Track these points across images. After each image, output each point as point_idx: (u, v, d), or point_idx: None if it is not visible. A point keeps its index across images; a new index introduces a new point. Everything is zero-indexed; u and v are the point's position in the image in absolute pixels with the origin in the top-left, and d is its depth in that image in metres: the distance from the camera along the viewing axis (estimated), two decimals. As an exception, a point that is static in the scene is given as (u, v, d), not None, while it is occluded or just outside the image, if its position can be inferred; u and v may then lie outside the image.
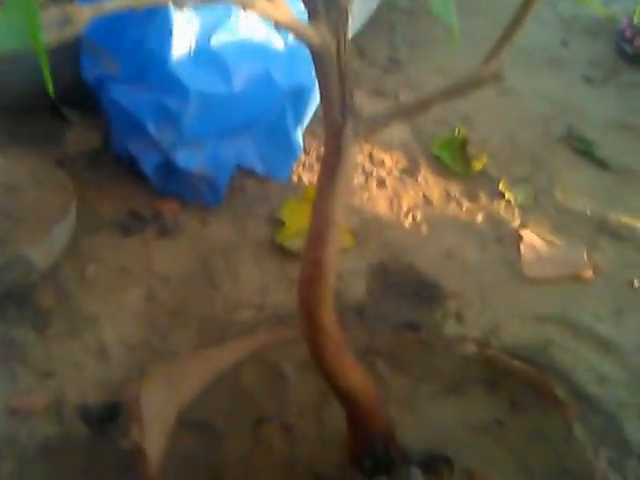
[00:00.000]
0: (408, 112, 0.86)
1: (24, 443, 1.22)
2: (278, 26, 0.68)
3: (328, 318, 0.90)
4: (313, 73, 1.63)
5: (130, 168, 1.72)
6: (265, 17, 0.65)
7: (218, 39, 1.56)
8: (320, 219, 0.85)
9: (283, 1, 0.68)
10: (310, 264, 0.88)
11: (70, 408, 1.27)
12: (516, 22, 0.80)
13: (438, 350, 1.28)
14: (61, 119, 1.82)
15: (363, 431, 1.02)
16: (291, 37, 1.65)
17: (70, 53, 1.64)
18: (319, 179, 0.86)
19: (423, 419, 1.13)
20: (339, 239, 0.88)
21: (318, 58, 0.77)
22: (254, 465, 1.07)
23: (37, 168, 1.55)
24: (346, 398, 0.98)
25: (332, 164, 0.83)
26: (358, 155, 1.89)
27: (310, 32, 0.73)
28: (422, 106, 0.84)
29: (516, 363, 1.25)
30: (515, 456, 1.10)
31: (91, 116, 1.80)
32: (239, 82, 1.58)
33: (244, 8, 0.62)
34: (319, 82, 0.80)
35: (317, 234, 0.86)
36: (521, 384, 1.21)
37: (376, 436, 1.01)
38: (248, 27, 1.59)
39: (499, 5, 2.50)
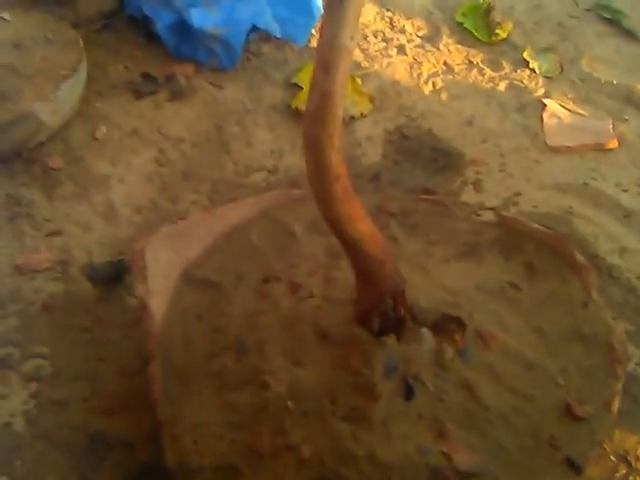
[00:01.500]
0: None
1: (29, 300, 1.23)
2: None
3: (335, 156, 0.85)
4: None
5: (144, 30, 1.67)
6: None
7: None
8: (328, 47, 0.80)
9: None
10: (317, 96, 0.82)
11: (76, 266, 1.27)
12: None
13: (454, 213, 1.24)
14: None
15: (372, 286, 0.98)
16: None
17: None
18: (325, 5, 0.81)
19: (435, 281, 1.10)
20: (349, 69, 0.83)
21: None
22: (259, 322, 1.06)
23: (47, 26, 1.51)
24: (354, 248, 0.94)
25: None
26: (378, 22, 1.82)
27: None
28: None
29: (535, 226, 1.20)
30: (529, 319, 1.07)
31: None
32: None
33: None
34: None
35: (325, 63, 0.80)
36: (539, 248, 1.17)
37: (385, 292, 0.98)
38: None
39: None
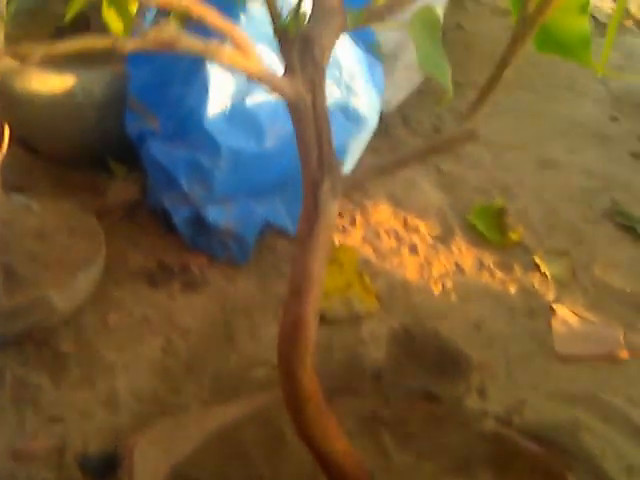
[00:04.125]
0: (386, 170, 0.85)
1: (21, 486, 1.22)
2: (250, 77, 0.68)
3: (307, 378, 0.87)
4: (346, 135, 1.66)
5: (163, 221, 1.74)
6: (234, 68, 0.66)
7: (253, 99, 1.59)
8: (299, 275, 0.84)
9: (255, 52, 0.68)
10: (289, 321, 0.86)
11: (71, 455, 1.27)
12: (491, 83, 0.79)
13: (449, 424, 1.23)
14: (107, 171, 1.86)
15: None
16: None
17: (120, 108, 1.70)
18: (298, 234, 0.86)
19: (424, 497, 1.09)
20: (319, 296, 0.87)
21: (293, 112, 0.77)
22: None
23: (71, 216, 1.59)
24: (328, 467, 0.94)
25: (310, 220, 0.82)
26: (391, 220, 1.88)
27: (284, 85, 0.73)
28: (399, 164, 0.83)
29: (529, 444, 1.19)
30: None
31: (135, 170, 1.83)
32: (271, 141, 1.60)
33: (210, 59, 0.63)
34: (296, 136, 0.80)
35: (296, 291, 0.84)
36: (532, 469, 1.15)
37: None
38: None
39: (550, 81, 2.49)
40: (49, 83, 1.66)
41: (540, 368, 1.52)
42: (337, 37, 0.76)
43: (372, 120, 1.78)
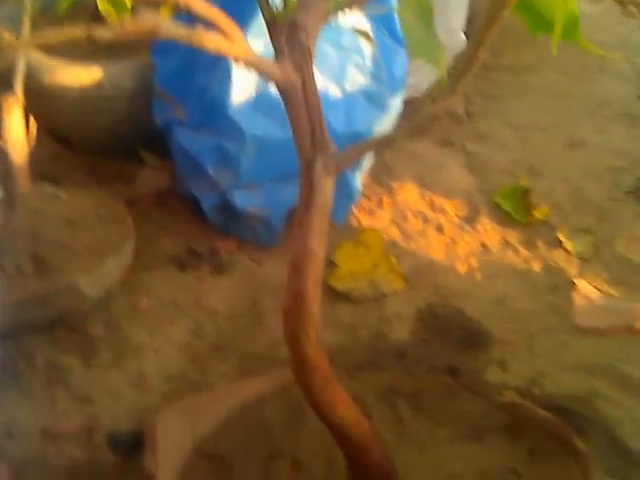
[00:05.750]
0: (375, 146, 0.88)
1: (53, 464, 1.28)
2: (238, 62, 0.71)
3: (312, 349, 0.91)
4: (370, 121, 1.69)
5: (192, 208, 1.79)
6: (221, 54, 0.69)
7: (276, 86, 1.62)
8: (298, 251, 0.88)
9: (242, 38, 0.71)
10: (291, 296, 0.90)
11: (101, 433, 1.32)
12: (468, 62, 0.81)
13: (464, 395, 1.26)
14: (138, 161, 1.91)
15: (361, 470, 1.01)
16: (348, 85, 1.70)
17: (148, 98, 1.75)
18: (296, 214, 0.89)
19: (436, 462, 1.11)
20: (319, 270, 0.90)
21: (283, 94, 0.80)
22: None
23: (100, 204, 1.64)
24: (338, 433, 0.98)
25: (306, 197, 0.86)
26: (418, 202, 1.91)
27: (273, 70, 0.76)
28: (387, 141, 0.86)
29: (541, 412, 1.22)
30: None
31: (165, 158, 1.88)
32: (295, 127, 1.63)
33: (195, 44, 0.66)
34: (289, 118, 0.84)
35: (296, 266, 0.88)
36: (544, 434, 1.17)
37: (375, 476, 1.01)
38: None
39: (580, 62, 2.49)
40: (77, 77, 1.71)
41: (561, 342, 1.54)
42: (323, 22, 0.79)
43: (395, 105, 1.81)
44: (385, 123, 1.79)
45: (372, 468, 1.00)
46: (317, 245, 0.87)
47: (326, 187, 0.85)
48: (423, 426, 1.19)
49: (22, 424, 1.34)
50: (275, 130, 1.63)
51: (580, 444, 1.13)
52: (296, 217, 0.90)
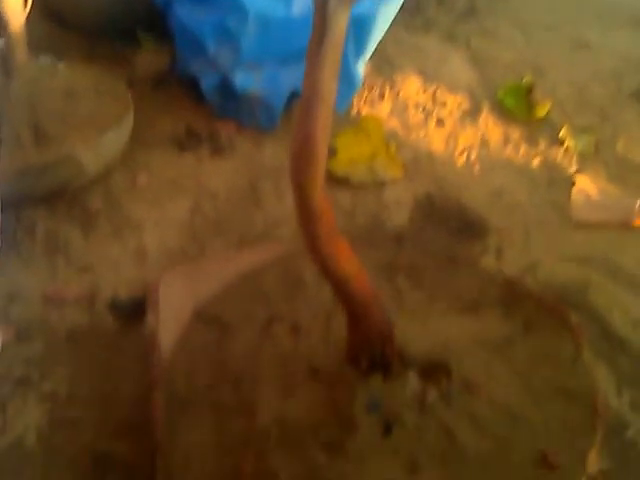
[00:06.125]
0: None
1: (55, 327, 1.29)
2: None
3: (319, 197, 0.90)
4: (375, 5, 1.66)
5: (192, 89, 1.77)
6: None
7: (281, -37, 1.59)
8: (309, 92, 0.86)
9: None
10: (300, 139, 0.88)
11: (102, 301, 1.33)
12: None
13: (462, 271, 1.27)
14: (135, 42, 1.88)
15: (361, 329, 1.02)
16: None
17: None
18: (308, 50, 0.87)
19: (432, 330, 1.13)
20: (328, 115, 0.88)
21: None
22: (257, 358, 1.11)
23: (99, 79, 1.62)
24: (339, 287, 0.98)
25: (320, 33, 0.83)
26: (420, 94, 1.89)
27: None
28: None
29: (535, 288, 1.24)
30: (518, 373, 1.09)
31: (163, 41, 1.85)
32: (299, 7, 1.60)
33: None
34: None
35: (306, 108, 0.86)
36: (538, 308, 1.20)
37: (374, 335, 1.02)
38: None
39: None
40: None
41: (556, 234, 1.55)
42: None
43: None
44: (389, 9, 1.76)
45: (372, 329, 1.01)
46: (328, 86, 0.85)
47: (340, 19, 0.83)
48: (420, 298, 1.21)
49: (24, 290, 1.34)
50: (278, 7, 1.60)
51: (573, 318, 1.15)
52: (307, 56, 0.87)
